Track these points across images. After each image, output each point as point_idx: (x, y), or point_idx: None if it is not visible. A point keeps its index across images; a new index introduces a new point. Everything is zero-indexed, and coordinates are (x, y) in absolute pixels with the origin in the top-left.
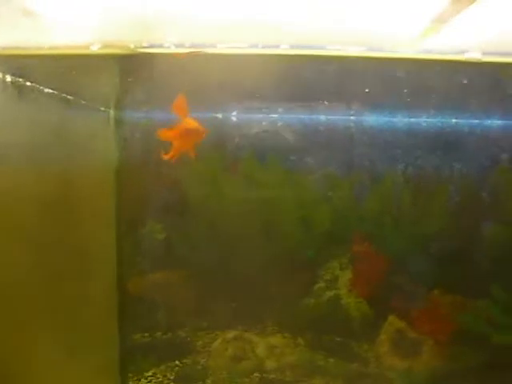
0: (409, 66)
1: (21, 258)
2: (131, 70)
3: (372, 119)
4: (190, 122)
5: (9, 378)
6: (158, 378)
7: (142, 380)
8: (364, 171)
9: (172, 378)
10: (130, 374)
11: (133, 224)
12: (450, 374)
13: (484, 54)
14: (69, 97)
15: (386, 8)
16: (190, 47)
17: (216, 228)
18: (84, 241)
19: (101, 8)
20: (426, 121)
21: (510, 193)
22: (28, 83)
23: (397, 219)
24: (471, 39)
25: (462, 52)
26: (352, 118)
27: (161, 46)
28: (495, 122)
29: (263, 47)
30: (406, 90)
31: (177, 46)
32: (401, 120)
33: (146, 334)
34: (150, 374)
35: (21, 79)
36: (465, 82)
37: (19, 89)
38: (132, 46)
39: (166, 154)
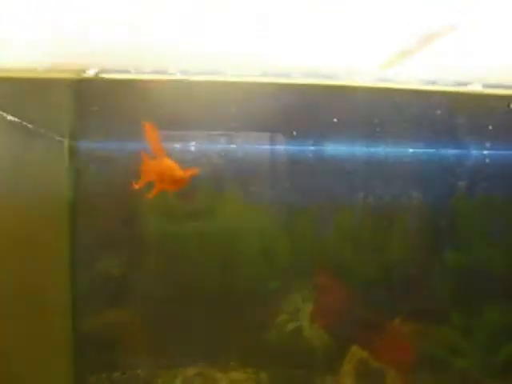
0: (367, 96)
1: None
2: (87, 97)
3: (331, 149)
4: (174, 169)
5: None
6: None
7: None
8: (324, 201)
9: None
10: None
11: (87, 259)
12: None
13: (440, 84)
14: (23, 123)
15: (348, 39)
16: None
17: (174, 261)
18: (36, 278)
19: (55, 31)
20: (384, 150)
21: (468, 220)
22: None
23: (357, 249)
24: (428, 71)
25: (420, 83)
26: (311, 148)
27: (121, 71)
28: (450, 151)
29: (232, 76)
30: (364, 120)
31: (137, 71)
32: (359, 149)
33: (104, 375)
34: None
35: None
36: (419, 112)
37: None
38: (87, 71)
39: (137, 183)
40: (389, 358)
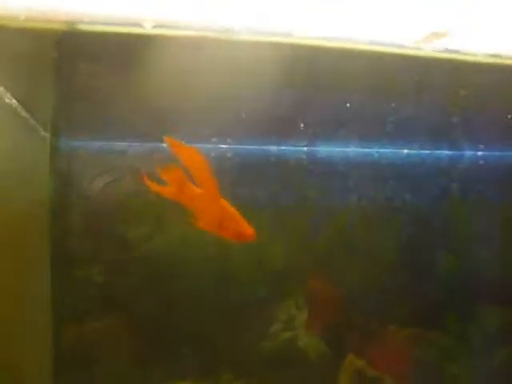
0: (362, 96)
1: None
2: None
3: (324, 150)
4: (239, 223)
5: None
6: None
7: None
8: (316, 204)
9: None
10: None
11: (69, 265)
12: None
13: None
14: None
15: None
16: None
17: (161, 269)
18: (14, 284)
19: None
20: (378, 151)
21: (462, 223)
22: None
23: (351, 253)
24: None
25: None
26: (304, 149)
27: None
28: (445, 153)
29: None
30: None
31: None
32: (353, 150)
33: None
34: None
35: None
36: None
37: None
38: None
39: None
40: (386, 366)
